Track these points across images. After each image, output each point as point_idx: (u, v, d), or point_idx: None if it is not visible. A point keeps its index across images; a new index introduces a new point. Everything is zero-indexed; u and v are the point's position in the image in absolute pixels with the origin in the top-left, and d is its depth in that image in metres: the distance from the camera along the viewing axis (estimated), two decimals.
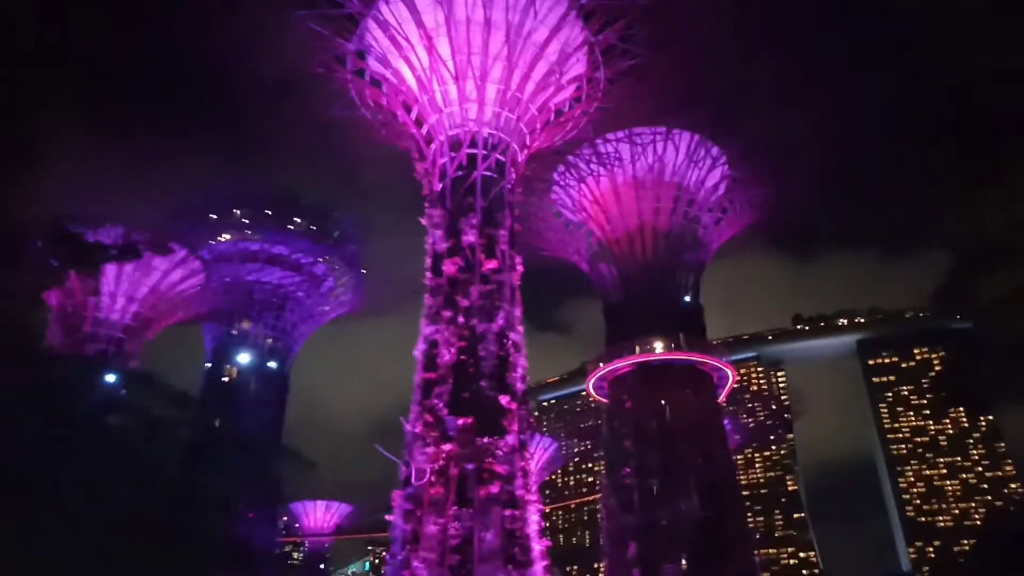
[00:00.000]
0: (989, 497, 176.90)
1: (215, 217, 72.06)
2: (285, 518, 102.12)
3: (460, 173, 45.69)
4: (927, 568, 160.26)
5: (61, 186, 64.25)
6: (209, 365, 78.36)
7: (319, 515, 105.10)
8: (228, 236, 74.26)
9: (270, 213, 73.55)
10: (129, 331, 69.33)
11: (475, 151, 45.72)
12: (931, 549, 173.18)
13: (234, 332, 78.22)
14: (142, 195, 66.12)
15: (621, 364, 63.79)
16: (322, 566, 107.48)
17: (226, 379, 76.88)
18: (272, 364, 78.68)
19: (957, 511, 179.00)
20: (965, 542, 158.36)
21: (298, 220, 75.56)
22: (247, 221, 74.13)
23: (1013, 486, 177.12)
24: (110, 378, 66.05)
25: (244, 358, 76.92)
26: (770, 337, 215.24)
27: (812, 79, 56.11)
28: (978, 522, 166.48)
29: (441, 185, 46.12)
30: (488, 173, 45.72)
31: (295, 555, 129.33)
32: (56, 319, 67.84)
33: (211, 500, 65.94)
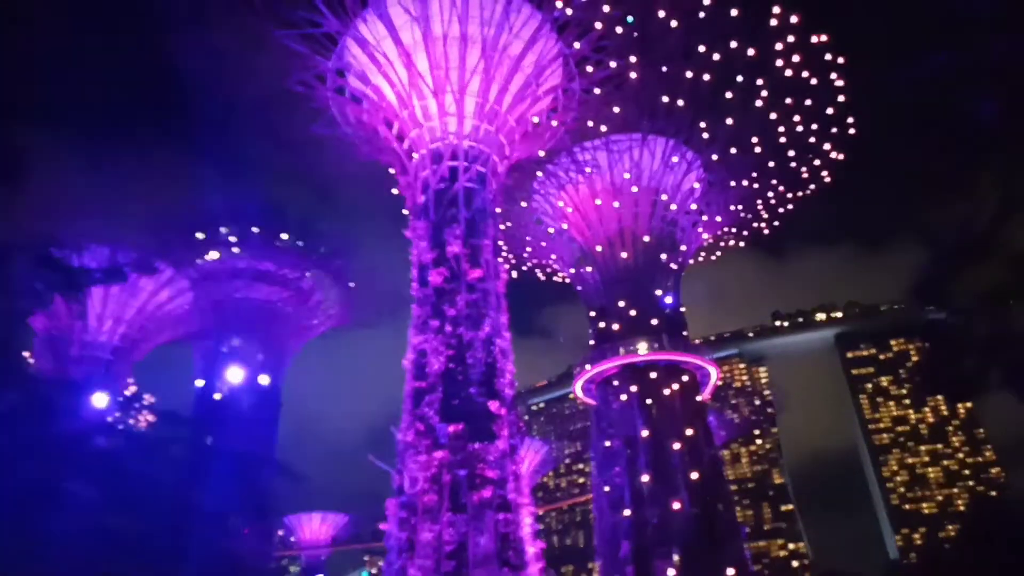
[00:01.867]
0: (971, 483, 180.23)
1: (201, 235, 72.22)
2: (280, 532, 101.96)
3: (442, 185, 46.73)
4: (914, 555, 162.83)
5: (44, 207, 64.34)
6: (200, 383, 78.35)
7: (314, 527, 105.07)
8: (215, 254, 74.42)
9: (256, 230, 73.79)
10: (118, 353, 69.29)
11: (456, 163, 46.79)
12: (917, 536, 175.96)
13: (224, 349, 78.31)
14: (126, 215, 66.17)
15: (607, 366, 64.90)
16: None
17: (217, 396, 76.91)
18: (263, 380, 78.82)
19: (941, 498, 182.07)
20: (950, 527, 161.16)
21: (284, 236, 75.86)
22: (233, 238, 74.33)
23: (994, 471, 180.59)
24: (100, 400, 66.11)
25: (235, 375, 77.05)
26: (751, 334, 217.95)
27: (790, 76, 57.53)
28: (962, 508, 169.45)
29: (424, 197, 47.12)
30: (470, 184, 46.80)
31: (292, 569, 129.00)
32: (43, 343, 67.69)
33: (205, 518, 66.27)
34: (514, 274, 77.57)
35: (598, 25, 47.70)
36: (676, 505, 58.35)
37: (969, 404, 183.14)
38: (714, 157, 64.21)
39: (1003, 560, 32.29)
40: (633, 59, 50.62)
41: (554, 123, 52.59)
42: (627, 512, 59.72)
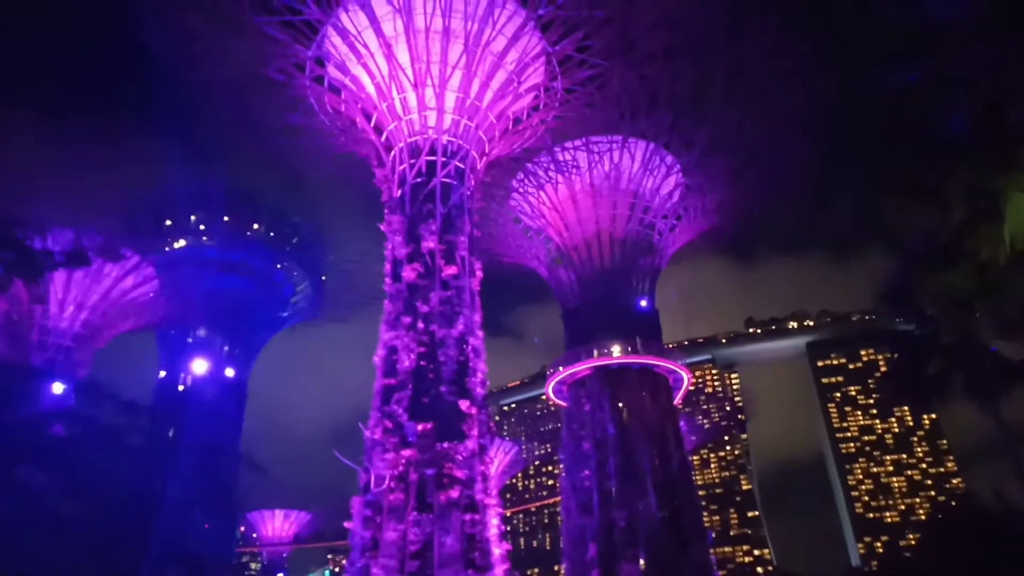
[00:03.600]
0: (933, 492, 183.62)
1: (170, 222, 70.66)
2: (242, 528, 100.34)
3: (419, 180, 46.05)
4: (875, 562, 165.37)
5: (6, 190, 62.51)
6: (163, 373, 76.68)
7: (277, 524, 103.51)
8: (184, 242, 72.83)
9: (227, 219, 72.36)
10: (79, 339, 67.42)
11: (434, 158, 46.14)
12: (879, 544, 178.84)
13: (189, 339, 76.74)
14: (93, 199, 64.58)
15: (580, 368, 64.69)
16: None
17: (181, 388, 75.33)
18: (229, 371, 77.33)
19: (903, 507, 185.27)
20: (911, 536, 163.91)
21: (256, 226, 74.48)
22: (203, 227, 72.79)
23: (955, 481, 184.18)
24: (57, 387, 64.33)
25: (200, 366, 75.47)
26: (724, 340, 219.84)
27: (767, 84, 57.84)
28: (923, 517, 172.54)
29: (400, 192, 46.39)
30: (447, 180, 46.18)
31: (252, 566, 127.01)
32: (1, 328, 65.68)
33: (165, 510, 64.97)
34: (490, 272, 77.01)
35: (581, 25, 47.38)
36: (644, 509, 58.30)
37: (933, 415, 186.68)
38: (693, 162, 64.33)
39: (963, 566, 32.60)
40: (615, 61, 50.40)
41: (535, 122, 52.16)
42: (595, 515, 59.56)
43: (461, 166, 46.99)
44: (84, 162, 62.60)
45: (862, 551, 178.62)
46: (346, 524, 39.82)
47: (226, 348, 77.84)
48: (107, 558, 56.44)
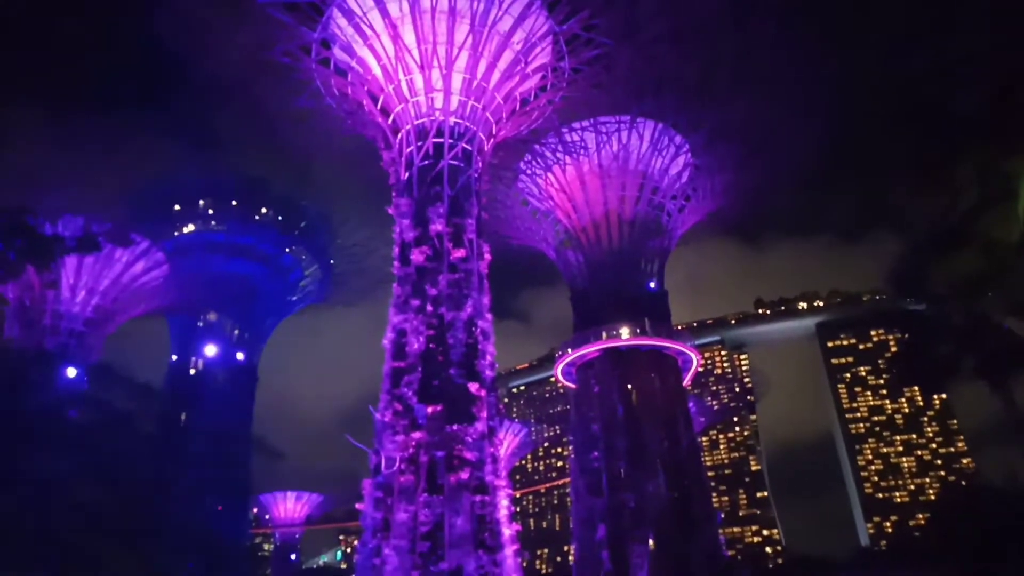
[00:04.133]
0: (943, 473, 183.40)
1: (179, 208, 70.84)
2: (255, 509, 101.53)
3: (427, 162, 45.87)
4: (884, 542, 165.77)
5: (19, 177, 62.85)
6: (174, 358, 77.27)
7: (289, 506, 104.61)
8: (193, 227, 73.03)
9: (236, 203, 72.45)
10: (90, 324, 67.95)
11: (441, 140, 45.91)
12: (888, 524, 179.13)
13: (200, 324, 77.20)
14: (103, 186, 64.80)
15: (588, 350, 64.70)
16: (293, 557, 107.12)
17: (192, 371, 75.93)
18: (240, 355, 77.82)
19: (912, 487, 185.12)
20: (920, 516, 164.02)
21: (264, 211, 74.56)
22: (212, 212, 72.93)
23: (965, 461, 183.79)
24: (71, 372, 64.99)
25: (210, 350, 75.96)
26: (733, 321, 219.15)
27: (776, 66, 57.22)
28: (932, 497, 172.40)
29: (408, 174, 46.26)
30: (455, 162, 45.97)
31: (265, 547, 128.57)
32: (14, 313, 66.28)
33: (180, 493, 65.70)
34: (497, 255, 76.98)
35: (587, 4, 46.85)
36: (653, 490, 58.53)
37: (944, 395, 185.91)
38: (702, 142, 63.79)
39: (971, 544, 32.60)
40: (622, 41, 49.88)
41: (542, 102, 51.76)
42: (604, 496, 59.84)
43: (468, 148, 46.75)
44: (93, 150, 62.77)
45: (871, 531, 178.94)
46: (358, 506, 40.17)
47: (236, 332, 78.30)
48: (125, 542, 57.30)
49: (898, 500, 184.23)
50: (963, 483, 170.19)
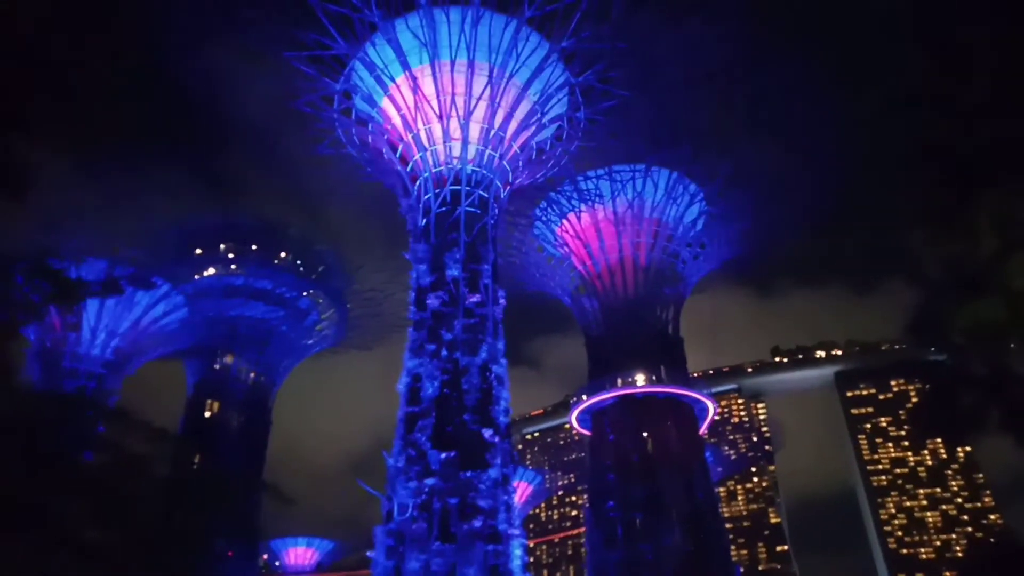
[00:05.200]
0: (970, 528, 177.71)
1: (199, 251, 72.04)
2: (265, 556, 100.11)
3: (444, 209, 46.60)
4: None
5: (42, 219, 64.27)
6: (190, 400, 77.56)
7: (300, 552, 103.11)
8: (212, 270, 74.11)
9: (255, 247, 73.58)
10: (109, 366, 68.53)
11: (459, 188, 46.70)
12: None
13: (216, 367, 77.62)
14: (125, 230, 66.13)
15: (604, 397, 64.20)
16: None
17: (208, 414, 76.07)
18: (254, 399, 78.00)
19: (939, 543, 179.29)
20: (947, 574, 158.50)
21: (283, 255, 75.62)
22: (231, 255, 74.04)
23: (992, 517, 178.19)
24: (88, 415, 65.24)
25: (226, 393, 76.33)
26: (750, 369, 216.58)
27: (788, 113, 57.92)
28: (959, 553, 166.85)
29: (425, 221, 46.97)
30: (471, 209, 46.66)
31: None
32: (35, 355, 67.02)
33: (190, 538, 65.06)
34: (512, 301, 77.30)
35: (603, 56, 48.02)
36: (670, 542, 57.24)
37: (968, 448, 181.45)
38: (716, 191, 64.32)
39: None
40: (637, 91, 50.89)
41: (558, 151, 52.65)
42: (620, 547, 58.58)
43: (485, 195, 47.47)
44: (116, 193, 64.36)
45: None
46: (369, 553, 39.63)
47: (252, 375, 78.56)
48: None
49: (924, 556, 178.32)
50: (992, 540, 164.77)
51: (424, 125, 46.83)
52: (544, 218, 67.52)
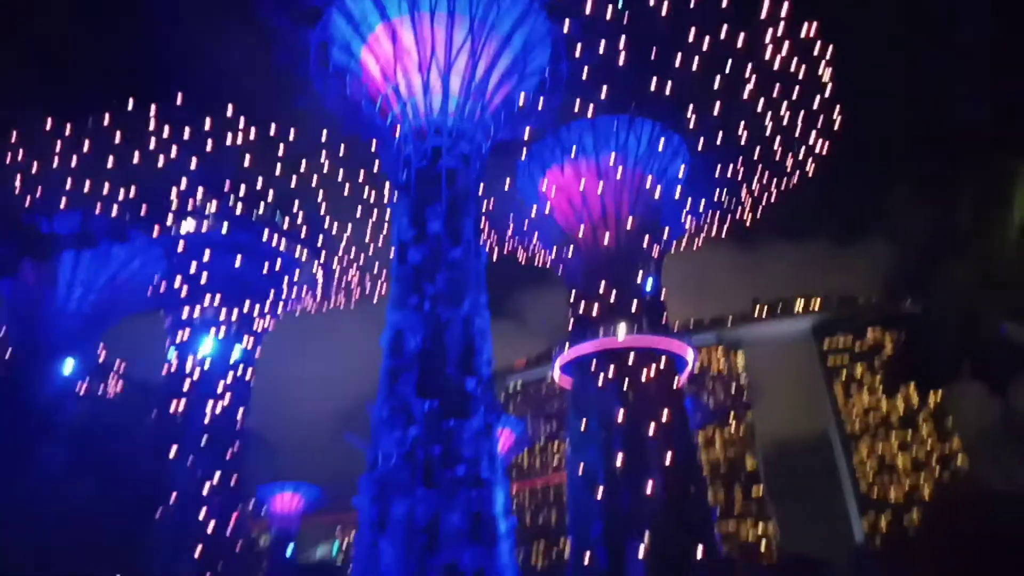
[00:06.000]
0: (937, 472, 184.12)
1: (177, 205, 70.97)
2: (252, 502, 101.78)
3: (425, 163, 46.23)
4: (879, 540, 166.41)
5: (16, 173, 63.04)
6: (171, 354, 77.50)
7: (286, 499, 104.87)
8: (190, 223, 73.22)
9: (234, 201, 72.59)
10: (88, 321, 68.05)
11: (440, 141, 46.25)
12: (883, 521, 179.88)
13: (196, 321, 77.47)
14: (101, 183, 65.01)
15: (585, 349, 65.14)
16: (290, 550, 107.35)
17: (189, 368, 76.20)
18: (236, 353, 78.07)
19: (907, 486, 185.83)
20: (914, 514, 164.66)
21: (262, 209, 74.73)
22: (210, 209, 73.09)
23: (959, 461, 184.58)
24: (67, 367, 65.26)
25: (207, 347, 76.25)
26: (730, 321, 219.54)
27: (775, 68, 57.68)
28: (927, 495, 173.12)
29: (406, 175, 46.62)
30: (453, 163, 46.32)
31: (262, 540, 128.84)
32: (11, 310, 66.41)
33: (175, 488, 66.05)
34: (494, 254, 77.49)
35: (588, 6, 47.29)
36: (649, 487, 58.98)
37: (939, 395, 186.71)
38: (700, 144, 64.20)
39: (967, 544, 32.97)
40: (622, 41, 50.29)
41: (541, 104, 52.12)
42: (600, 493, 60.29)
43: (467, 149, 47.09)
44: (91, 147, 63.08)
45: (866, 528, 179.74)
46: (354, 500, 40.55)
47: (233, 329, 78.47)
48: (122, 537, 57.64)
49: (893, 498, 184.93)
50: (958, 484, 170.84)
51: (404, 77, 46.05)
52: (527, 171, 67.20)
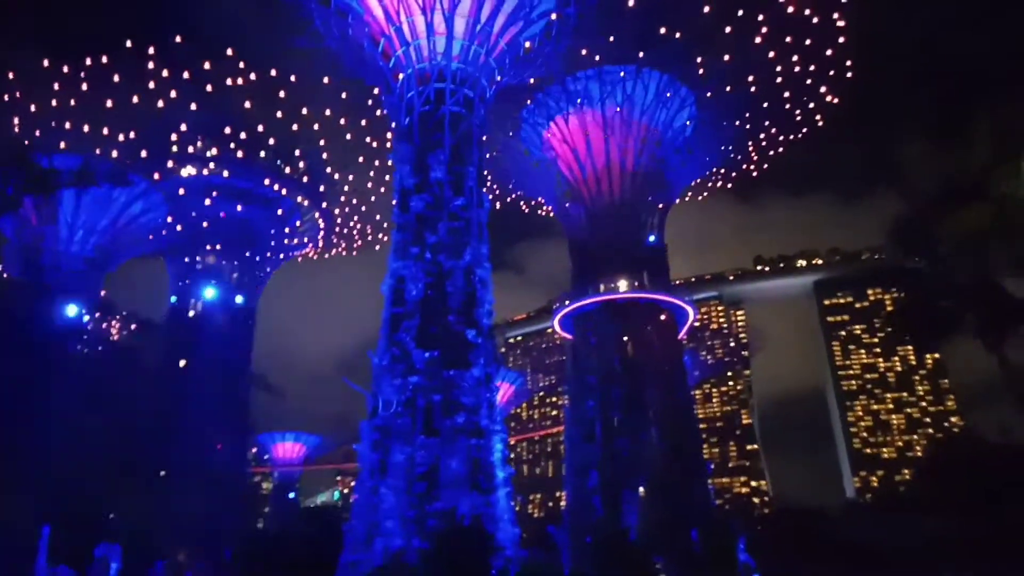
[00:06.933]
0: (931, 430, 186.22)
1: (178, 149, 70.07)
2: (254, 449, 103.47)
3: (428, 108, 45.28)
4: (869, 495, 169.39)
5: (17, 116, 62.20)
6: (173, 298, 77.69)
7: (288, 446, 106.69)
8: (191, 168, 72.42)
9: (235, 146, 71.60)
10: (90, 263, 68.01)
11: (443, 85, 45.22)
12: (874, 478, 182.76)
13: (198, 266, 77.38)
14: (102, 127, 64.17)
15: (587, 302, 65.10)
16: (292, 496, 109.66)
17: (191, 312, 76.49)
18: (238, 298, 78.18)
19: (901, 443, 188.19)
20: (906, 471, 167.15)
21: (264, 154, 73.76)
22: (211, 154, 72.21)
23: (953, 419, 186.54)
24: (72, 308, 65.54)
25: (209, 292, 76.31)
26: (731, 277, 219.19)
27: (787, 16, 56.19)
28: (919, 453, 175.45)
29: (408, 120, 45.72)
30: (456, 109, 45.37)
31: (264, 485, 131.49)
32: (13, 251, 66.31)
33: (178, 429, 66.99)
34: (496, 205, 76.78)
35: None
36: (646, 439, 59.63)
37: (936, 355, 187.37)
38: (708, 95, 62.86)
39: (958, 498, 33.16)
40: None
41: (547, 50, 50.77)
42: (598, 444, 60.97)
43: (470, 94, 46.07)
44: (91, 91, 62.05)
45: (858, 485, 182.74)
46: (355, 447, 40.94)
47: (235, 275, 78.49)
48: (127, 475, 58.71)
49: (885, 456, 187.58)
50: (952, 438, 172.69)
51: (407, 18, 44.74)
52: (531, 120, 66.01)
